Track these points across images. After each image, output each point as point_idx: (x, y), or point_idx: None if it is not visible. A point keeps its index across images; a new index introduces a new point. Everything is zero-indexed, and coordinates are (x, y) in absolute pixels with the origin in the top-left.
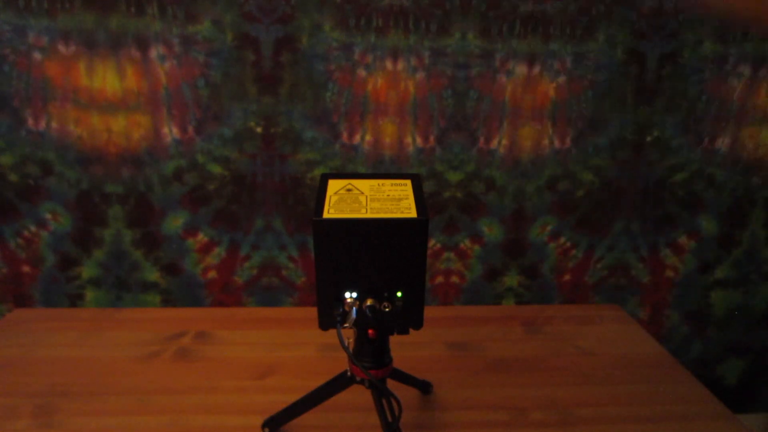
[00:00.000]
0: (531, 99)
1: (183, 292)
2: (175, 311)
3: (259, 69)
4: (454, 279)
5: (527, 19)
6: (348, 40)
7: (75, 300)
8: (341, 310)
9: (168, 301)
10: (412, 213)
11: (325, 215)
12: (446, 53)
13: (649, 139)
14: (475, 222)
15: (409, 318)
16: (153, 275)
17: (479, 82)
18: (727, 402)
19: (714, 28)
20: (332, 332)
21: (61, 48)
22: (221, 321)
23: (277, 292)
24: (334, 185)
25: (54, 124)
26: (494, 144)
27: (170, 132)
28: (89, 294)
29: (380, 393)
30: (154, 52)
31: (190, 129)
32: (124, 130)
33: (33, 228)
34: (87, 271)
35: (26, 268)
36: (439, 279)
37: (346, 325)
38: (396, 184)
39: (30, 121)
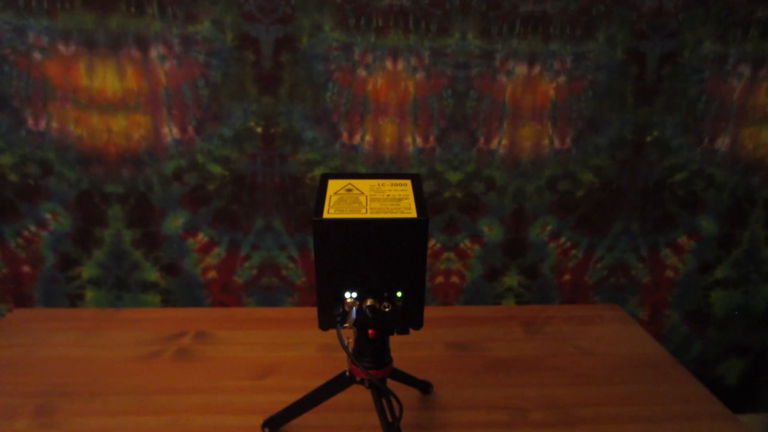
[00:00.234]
0: (531, 99)
1: (183, 292)
2: (175, 311)
3: (259, 69)
4: (454, 279)
5: (527, 19)
6: (348, 40)
7: (75, 300)
8: (341, 310)
9: (168, 301)
10: (412, 213)
11: (325, 215)
12: (446, 53)
13: (649, 139)
14: (475, 222)
15: (409, 318)
16: (153, 275)
17: (479, 82)
18: (727, 402)
19: (714, 28)
20: (332, 332)
21: (61, 48)
22: (221, 321)
23: (277, 292)
24: (334, 185)
25: (54, 124)
26: (494, 144)
27: (170, 132)
28: (89, 294)
29: (380, 393)
30: (154, 52)
31: (190, 129)
32: (124, 130)
33: (33, 228)
34: (87, 271)
35: (26, 268)
36: (439, 279)
37: (346, 325)
38: (396, 184)
39: (30, 121)
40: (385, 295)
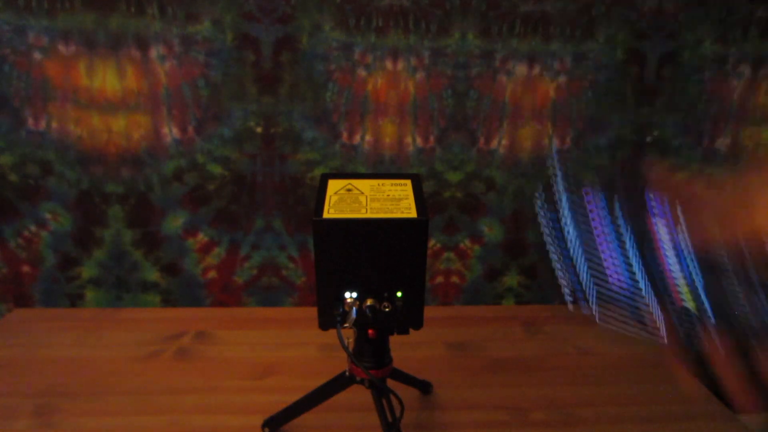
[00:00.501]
0: (531, 99)
1: (183, 292)
2: (175, 311)
3: (259, 69)
4: (454, 279)
5: (527, 19)
6: (348, 40)
7: (75, 300)
8: (341, 310)
9: (168, 301)
10: (412, 213)
11: (325, 215)
12: (446, 53)
13: (649, 139)
14: (475, 222)
15: (409, 318)
16: (153, 275)
17: (479, 82)
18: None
19: (714, 28)
20: (332, 332)
21: (61, 48)
22: (221, 321)
23: (277, 292)
24: (334, 185)
25: (54, 124)
26: (494, 144)
27: (170, 132)
28: (89, 294)
29: (380, 393)
30: (154, 52)
31: (190, 129)
32: (124, 130)
33: (33, 228)
34: (87, 271)
35: (26, 268)
36: (439, 279)
37: (346, 325)
38: (396, 184)
39: (30, 121)
40: (385, 295)
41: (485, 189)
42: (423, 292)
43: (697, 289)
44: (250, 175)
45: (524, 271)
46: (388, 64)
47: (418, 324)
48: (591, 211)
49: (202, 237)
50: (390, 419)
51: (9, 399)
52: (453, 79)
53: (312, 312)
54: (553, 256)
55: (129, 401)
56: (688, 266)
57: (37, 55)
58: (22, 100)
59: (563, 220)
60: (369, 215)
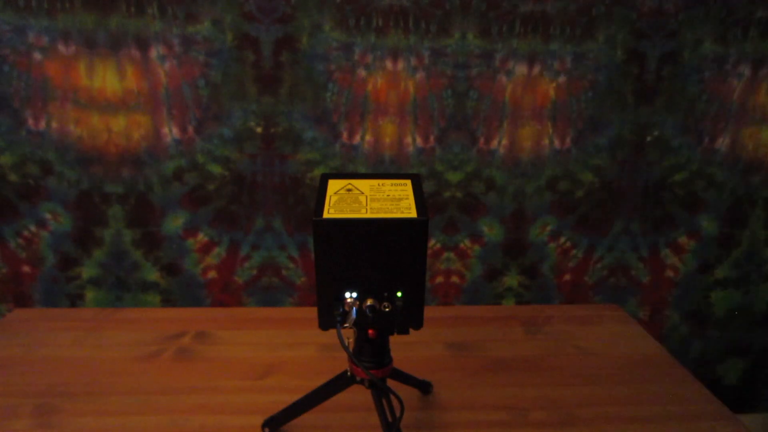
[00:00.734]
0: (531, 99)
1: (183, 292)
2: (175, 311)
3: (259, 69)
4: (454, 279)
5: (527, 19)
6: (348, 40)
7: (75, 300)
8: (341, 310)
9: (168, 301)
10: (412, 213)
11: (325, 215)
12: (446, 53)
13: (649, 139)
14: (475, 222)
15: (409, 318)
16: (153, 275)
17: (479, 82)
18: (727, 402)
19: (714, 28)
20: (332, 332)
21: (61, 48)
22: (221, 321)
23: (277, 292)
24: (334, 185)
25: (54, 124)
26: (494, 144)
27: (170, 132)
28: (89, 294)
29: (380, 393)
30: (154, 52)
31: (190, 129)
32: (124, 130)
33: (33, 228)
34: (87, 271)
35: (26, 268)
36: (439, 279)
37: (346, 325)
38: (396, 184)
39: (30, 121)
40: (385, 295)
41: (485, 189)
42: (423, 292)
43: None
44: (250, 175)
45: (524, 271)
46: (388, 64)
47: (418, 324)
48: None
49: (202, 237)
50: (390, 419)
51: (9, 399)
52: (453, 79)
53: (312, 312)
54: None
55: (129, 401)
56: None
57: (37, 55)
58: (22, 100)
59: None
60: (369, 215)
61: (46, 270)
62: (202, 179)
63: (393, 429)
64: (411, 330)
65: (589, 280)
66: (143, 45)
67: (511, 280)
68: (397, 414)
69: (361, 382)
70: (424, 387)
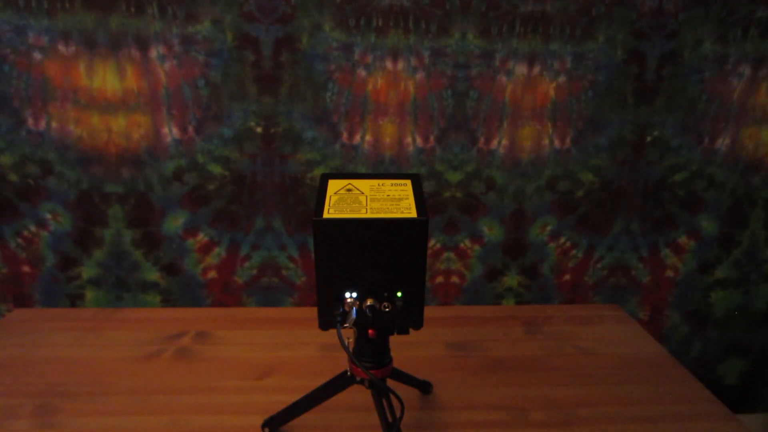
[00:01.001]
0: (531, 99)
1: (183, 292)
2: (175, 311)
3: (259, 69)
4: (454, 279)
5: (527, 19)
6: (348, 40)
7: (75, 300)
8: (341, 310)
9: (168, 301)
10: (412, 213)
11: (325, 215)
12: (446, 53)
13: (649, 139)
14: (475, 222)
15: (409, 318)
16: (153, 275)
17: (479, 82)
18: (727, 402)
19: (714, 28)
20: (332, 332)
21: (61, 48)
22: (221, 321)
23: (277, 292)
24: (334, 185)
25: (54, 124)
26: (494, 144)
27: (170, 132)
28: (89, 294)
29: (380, 393)
30: (154, 52)
31: (190, 129)
32: (124, 130)
33: (33, 228)
34: (87, 271)
35: (26, 268)
36: (439, 279)
37: (346, 325)
38: (396, 184)
39: (30, 121)
40: (385, 295)
41: (485, 189)
42: (423, 292)
43: None
44: (250, 175)
45: (524, 271)
46: (388, 64)
47: (418, 324)
48: None
49: (202, 237)
50: (390, 419)
51: (9, 399)
52: (453, 79)
53: (312, 312)
54: None
55: (129, 401)
56: None
57: (37, 55)
58: (22, 100)
59: None
60: (369, 215)
61: (46, 270)
62: (202, 179)
63: (393, 429)
64: (411, 330)
65: (589, 280)
66: (143, 45)
67: (511, 280)
68: (397, 414)
69: (361, 382)
70: (424, 387)
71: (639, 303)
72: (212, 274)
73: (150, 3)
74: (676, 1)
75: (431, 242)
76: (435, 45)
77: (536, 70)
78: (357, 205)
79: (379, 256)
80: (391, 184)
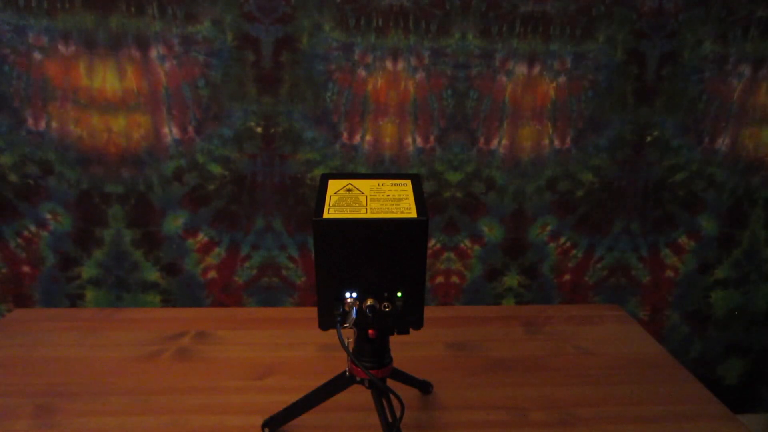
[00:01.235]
0: (531, 99)
1: (183, 292)
2: (175, 311)
3: (259, 69)
4: (454, 279)
5: (527, 19)
6: (348, 40)
7: (75, 300)
8: (341, 310)
9: (168, 301)
10: (412, 213)
11: (325, 215)
12: (446, 53)
13: (649, 139)
14: (475, 222)
15: (409, 318)
16: (153, 275)
17: (479, 82)
18: (727, 402)
19: (714, 28)
20: (332, 332)
21: (61, 48)
22: (221, 321)
23: (277, 292)
24: (334, 185)
25: (54, 124)
26: (494, 144)
27: (170, 132)
28: (89, 294)
29: (380, 393)
30: (154, 52)
31: (190, 129)
32: (124, 130)
33: (33, 228)
34: (87, 271)
35: (26, 268)
36: (439, 279)
37: (346, 325)
38: (396, 184)
39: (30, 121)
40: (385, 295)
41: (485, 189)
42: (423, 292)
43: None
44: (250, 175)
45: (524, 271)
46: (388, 64)
47: (418, 324)
48: None
49: (202, 237)
50: (390, 419)
51: (9, 399)
52: (453, 79)
53: (312, 312)
54: None
55: (129, 401)
56: None
57: (37, 55)
58: (22, 100)
59: None
60: (369, 215)
61: (46, 270)
62: (202, 179)
63: (393, 429)
64: (411, 330)
65: (589, 280)
66: (143, 45)
67: (511, 280)
68: (397, 414)
69: (361, 382)
70: (424, 387)
71: (639, 303)
72: (212, 274)
73: (150, 3)
74: (676, 1)
75: (431, 242)
76: (435, 45)
77: (536, 70)
78: (357, 205)
79: (379, 256)
80: (391, 184)
